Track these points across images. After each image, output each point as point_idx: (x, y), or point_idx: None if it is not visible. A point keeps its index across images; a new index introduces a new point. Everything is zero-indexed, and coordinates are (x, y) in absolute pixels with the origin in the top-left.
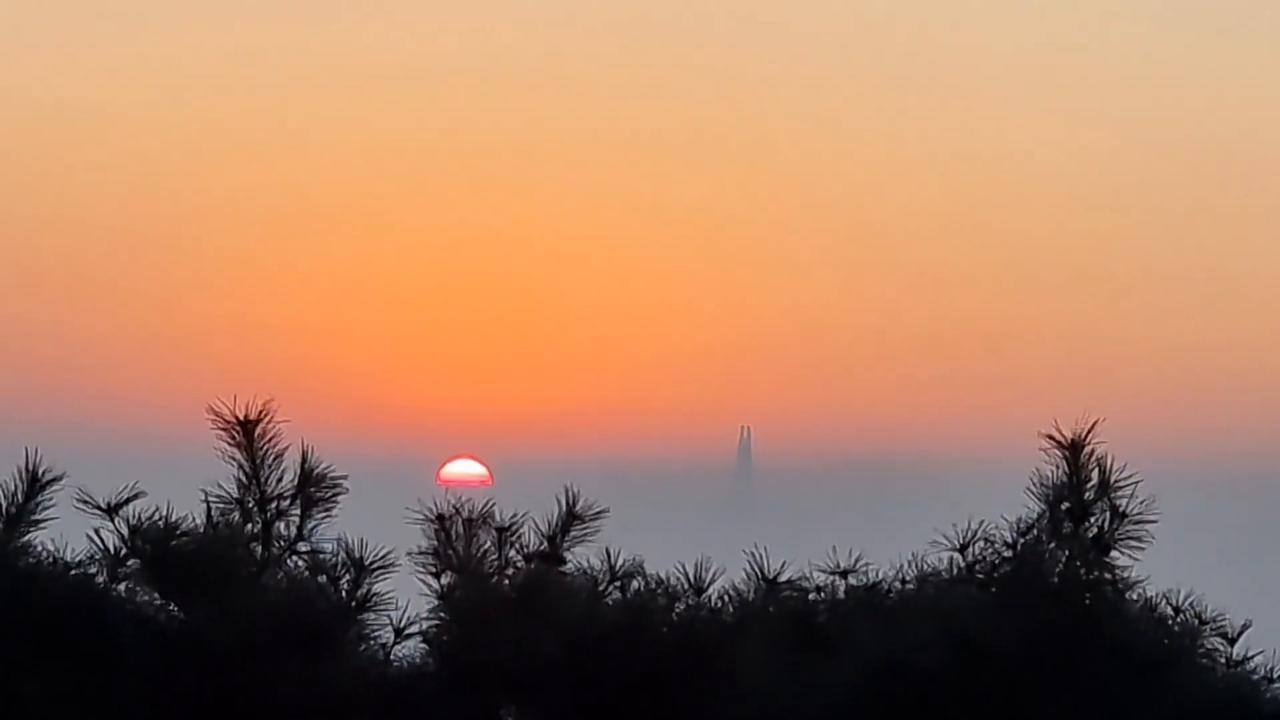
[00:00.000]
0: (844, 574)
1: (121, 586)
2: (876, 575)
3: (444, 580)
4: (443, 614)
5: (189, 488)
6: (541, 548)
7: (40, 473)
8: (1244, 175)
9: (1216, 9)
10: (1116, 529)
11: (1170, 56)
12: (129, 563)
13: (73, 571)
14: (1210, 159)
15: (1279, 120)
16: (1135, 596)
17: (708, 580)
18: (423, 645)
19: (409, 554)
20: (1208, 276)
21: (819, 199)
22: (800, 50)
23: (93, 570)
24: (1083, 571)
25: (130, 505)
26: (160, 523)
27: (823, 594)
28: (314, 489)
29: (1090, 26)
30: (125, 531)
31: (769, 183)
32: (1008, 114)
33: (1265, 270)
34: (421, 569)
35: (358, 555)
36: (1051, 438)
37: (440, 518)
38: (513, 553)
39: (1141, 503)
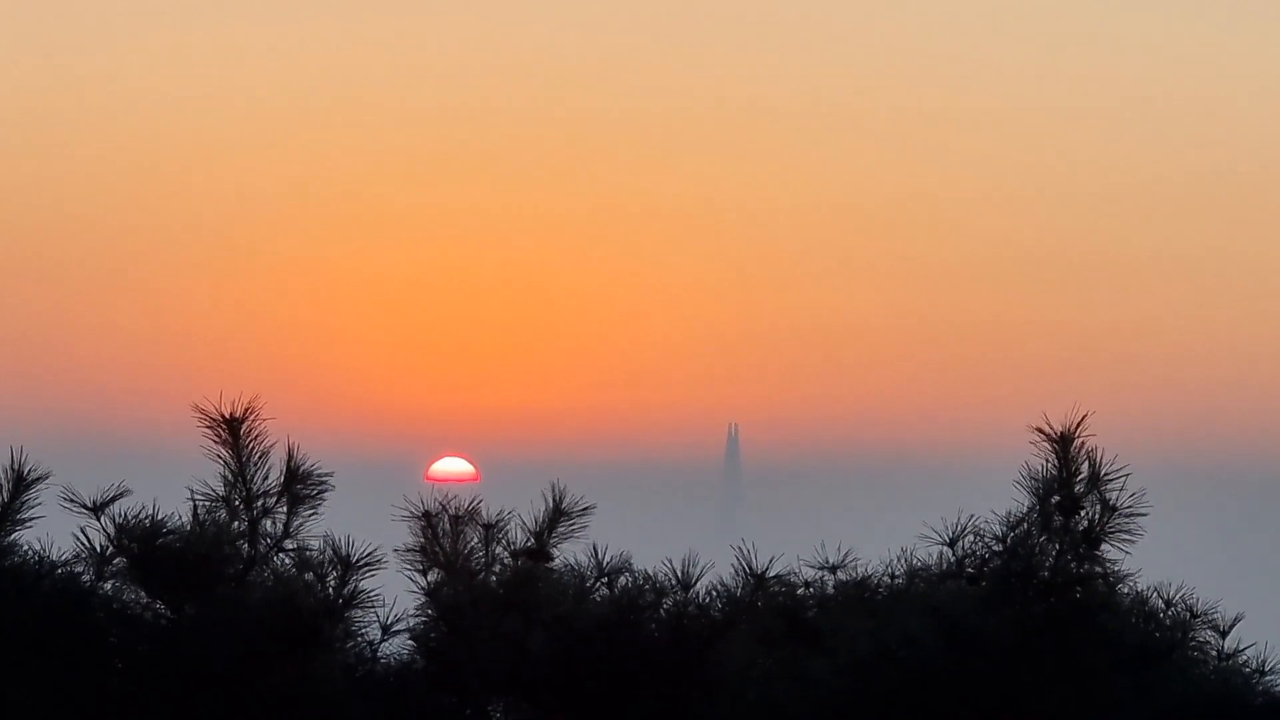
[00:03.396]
0: (833, 569)
1: (108, 585)
2: (866, 570)
3: (431, 577)
4: (430, 611)
5: (175, 486)
6: (529, 544)
7: (26, 472)
8: (1231, 169)
9: (1189, 13)
10: (1107, 522)
11: (1151, 53)
12: (115, 561)
13: (59, 570)
14: (1198, 152)
15: (1267, 115)
16: (1126, 590)
17: (695, 576)
18: (410, 642)
19: (396, 551)
20: (1197, 270)
21: (806, 197)
22: (790, 52)
23: (79, 569)
24: (1073, 565)
25: (116, 504)
26: (146, 521)
27: (812, 589)
28: (300, 486)
29: (1074, 28)
30: (112, 530)
31: (757, 181)
32: (994, 111)
33: (1255, 264)
34: (408, 566)
35: (344, 552)
36: (1041, 431)
37: (427, 515)
38: (500, 549)
39: (1132, 496)
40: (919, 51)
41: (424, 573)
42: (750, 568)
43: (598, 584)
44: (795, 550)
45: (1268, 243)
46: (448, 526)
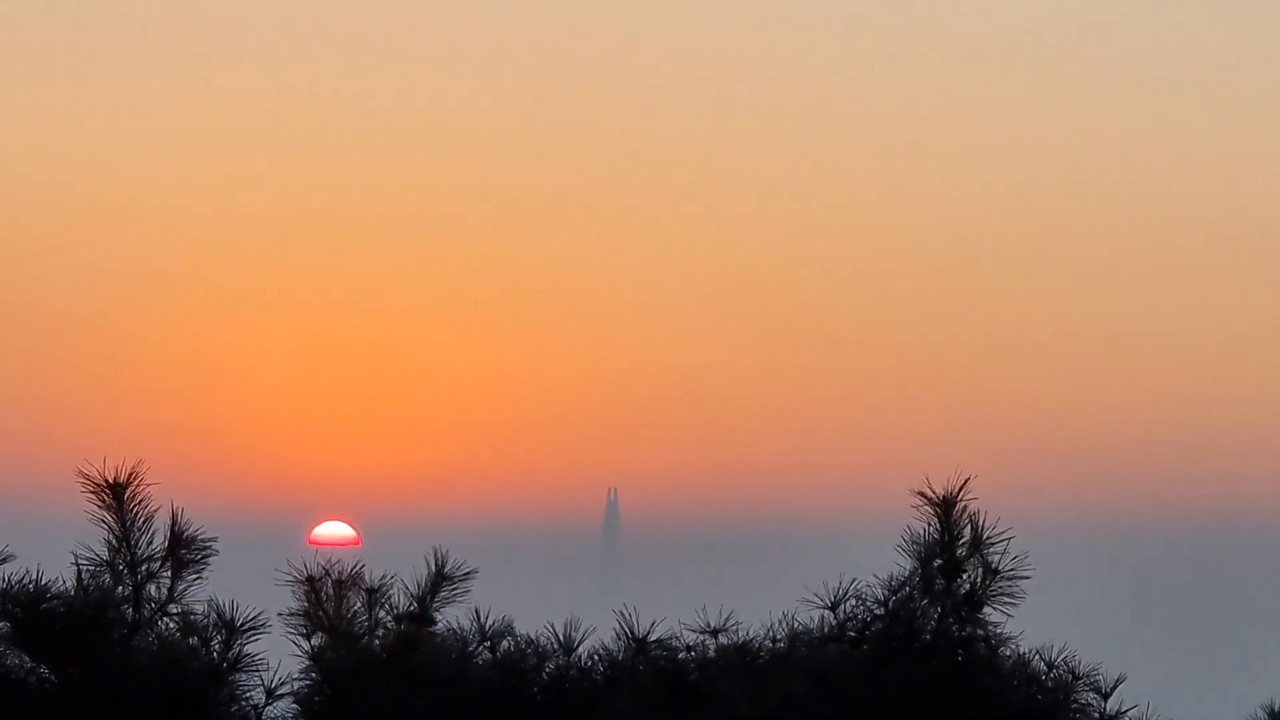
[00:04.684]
0: (714, 633)
1: None
2: (747, 634)
3: (315, 641)
4: (314, 675)
5: (59, 550)
6: (411, 608)
7: None
8: (1110, 241)
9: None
10: (989, 585)
11: (1031, 113)
12: None
13: None
14: (1078, 222)
15: (1145, 191)
16: (1009, 652)
17: (577, 640)
18: (295, 706)
19: (280, 615)
20: (1081, 337)
21: (684, 261)
22: (667, 113)
23: None
24: (955, 628)
25: (0, 568)
26: (30, 585)
27: (693, 653)
28: (184, 551)
29: (950, 89)
30: None
31: (633, 245)
32: (878, 175)
33: (1135, 333)
34: (293, 630)
35: (229, 617)
36: (923, 495)
37: (310, 579)
38: (383, 613)
39: (1014, 559)
40: (796, 128)
41: (308, 637)
42: (632, 631)
43: (480, 647)
44: (676, 614)
45: (1147, 311)
46: (331, 591)
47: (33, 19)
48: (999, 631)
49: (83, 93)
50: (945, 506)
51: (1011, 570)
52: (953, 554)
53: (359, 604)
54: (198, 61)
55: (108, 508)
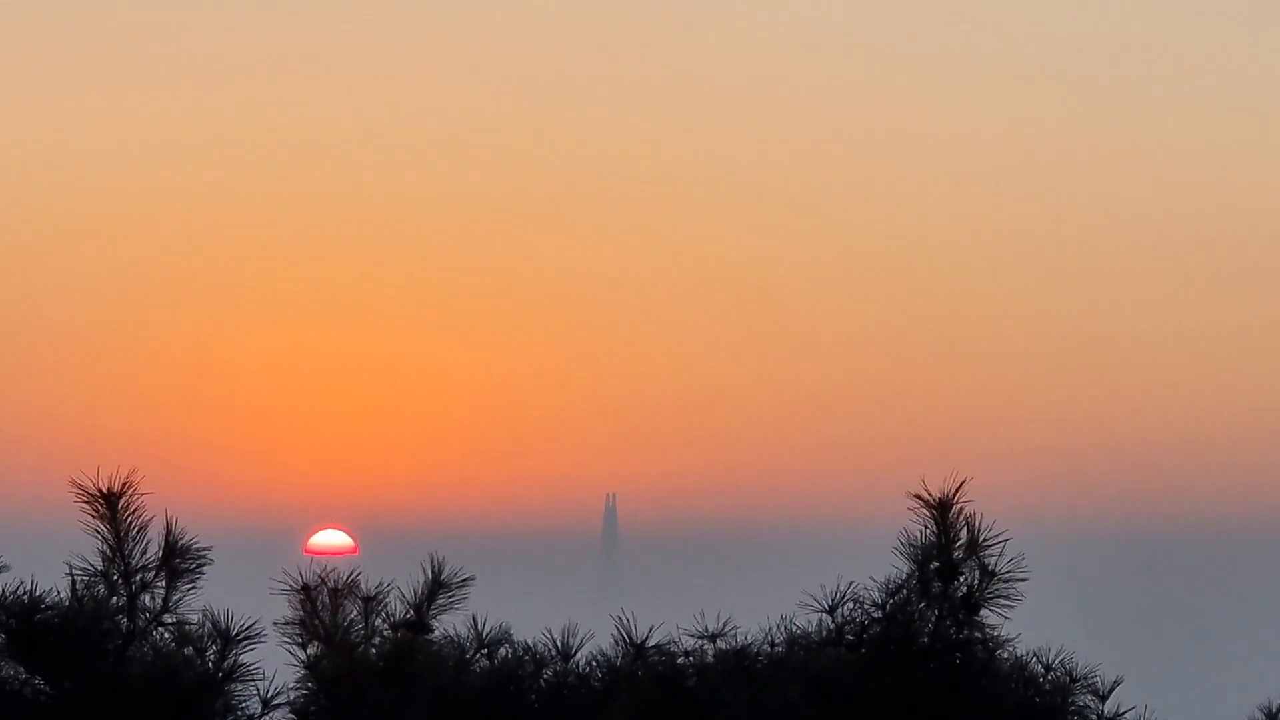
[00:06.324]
0: (713, 637)
1: None
2: (745, 638)
3: (311, 650)
4: (310, 684)
5: (53, 561)
6: (408, 616)
7: None
8: (1099, 239)
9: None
10: (986, 588)
11: (1023, 114)
12: None
13: None
14: (1069, 223)
15: (1133, 188)
16: (1005, 655)
17: (575, 646)
18: (291, 715)
19: (276, 624)
20: (1071, 340)
21: (683, 266)
22: (663, 130)
23: None
24: (953, 631)
25: None
26: (24, 596)
27: (691, 658)
28: (179, 560)
29: (946, 92)
30: None
31: (631, 251)
32: (871, 180)
33: (1135, 332)
34: (288, 639)
35: (224, 626)
36: (919, 497)
37: (306, 588)
38: (379, 622)
39: (1011, 561)
40: (788, 131)
41: (304, 646)
42: (630, 637)
43: (477, 655)
44: (675, 619)
45: (1145, 312)
46: (327, 600)
47: (33, 28)
48: (996, 634)
49: (78, 99)
50: (942, 509)
51: (1008, 572)
52: (949, 556)
53: (355, 612)
54: (187, 70)
55: (101, 517)
